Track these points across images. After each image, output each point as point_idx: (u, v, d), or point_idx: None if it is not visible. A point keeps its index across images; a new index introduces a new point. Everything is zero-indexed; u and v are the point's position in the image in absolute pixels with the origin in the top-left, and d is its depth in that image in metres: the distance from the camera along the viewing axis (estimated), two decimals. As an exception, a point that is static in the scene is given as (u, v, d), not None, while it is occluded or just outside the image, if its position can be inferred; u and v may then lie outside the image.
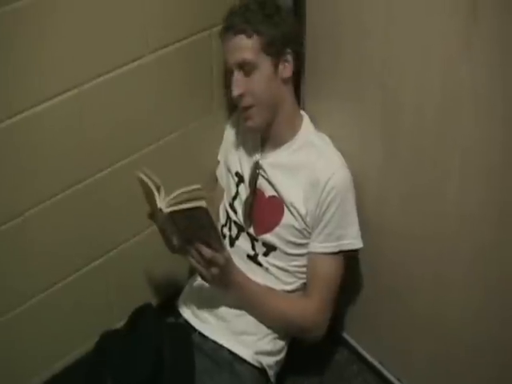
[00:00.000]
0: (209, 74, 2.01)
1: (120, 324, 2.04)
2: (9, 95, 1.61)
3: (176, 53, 1.88)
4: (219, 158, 2.15)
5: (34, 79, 1.63)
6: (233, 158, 2.06)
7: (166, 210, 1.65)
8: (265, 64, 1.83)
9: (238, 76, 1.85)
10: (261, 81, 1.85)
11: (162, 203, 1.66)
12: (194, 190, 1.66)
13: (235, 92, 1.85)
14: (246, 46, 1.82)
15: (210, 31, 1.94)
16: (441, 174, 1.70)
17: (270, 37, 1.82)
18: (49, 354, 1.97)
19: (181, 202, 1.64)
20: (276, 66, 1.86)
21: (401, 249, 1.93)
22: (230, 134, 2.12)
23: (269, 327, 1.95)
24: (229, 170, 2.08)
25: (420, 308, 1.93)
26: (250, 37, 1.81)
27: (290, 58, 1.87)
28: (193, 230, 1.72)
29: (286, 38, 1.85)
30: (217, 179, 2.17)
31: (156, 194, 1.67)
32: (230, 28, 1.84)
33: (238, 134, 2.09)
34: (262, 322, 1.95)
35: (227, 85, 1.99)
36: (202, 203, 1.63)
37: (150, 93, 1.89)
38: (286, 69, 1.87)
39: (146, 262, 2.12)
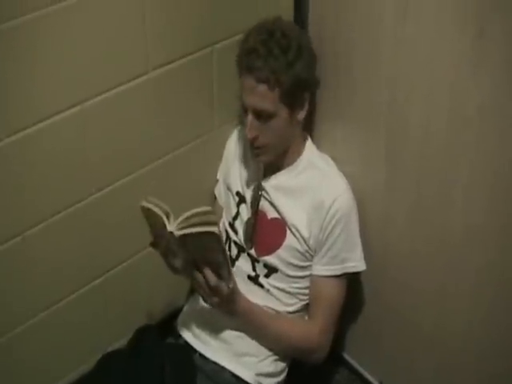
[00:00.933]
0: (210, 91, 2.00)
1: (118, 344, 2.05)
2: (9, 113, 1.58)
3: (177, 70, 1.87)
4: (218, 176, 2.13)
5: (35, 97, 1.61)
6: (234, 178, 2.04)
7: (178, 233, 1.62)
8: (282, 112, 1.79)
9: (253, 120, 1.80)
10: (276, 127, 1.81)
11: (172, 226, 1.63)
12: (204, 212, 1.63)
13: (249, 135, 1.81)
14: (266, 97, 1.76)
15: (211, 48, 1.92)
16: (446, 188, 1.70)
17: (290, 87, 1.76)
18: (48, 374, 1.95)
19: (191, 225, 1.62)
20: (293, 113, 1.83)
21: (405, 266, 1.92)
22: (230, 152, 2.10)
23: (270, 349, 1.93)
24: (229, 189, 2.05)
25: (423, 325, 1.93)
26: (272, 89, 1.75)
27: (306, 102, 1.84)
28: (202, 253, 1.70)
29: (306, 84, 1.82)
30: (215, 197, 2.14)
31: (165, 218, 1.63)
32: (251, 71, 1.76)
33: (239, 153, 2.07)
34: (264, 344, 1.93)
35: (230, 103, 2.00)
36: (215, 229, 1.62)
37: (151, 111, 1.87)
38: (302, 113, 1.85)
39: (145, 282, 2.09)
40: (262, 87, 1.75)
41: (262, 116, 1.78)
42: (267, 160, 1.90)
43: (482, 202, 1.63)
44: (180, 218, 1.63)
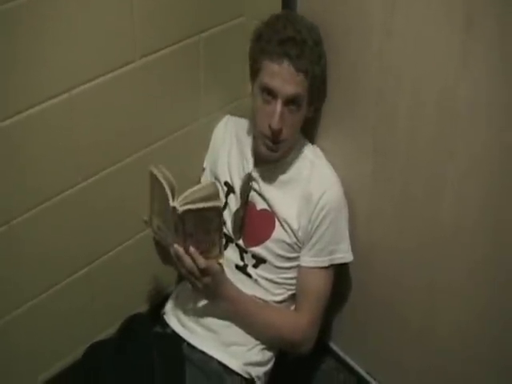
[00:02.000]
0: (197, 80, 1.99)
1: (106, 332, 2.05)
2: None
3: (165, 58, 1.86)
4: (205, 165, 2.12)
5: (23, 84, 1.59)
6: (221, 167, 2.03)
7: (181, 209, 1.61)
8: (304, 103, 1.80)
9: (283, 109, 1.77)
10: (298, 120, 1.82)
11: (176, 202, 1.62)
12: (208, 186, 1.64)
13: (277, 125, 1.77)
14: (303, 84, 1.76)
15: (198, 36, 1.91)
16: (435, 181, 1.70)
17: (318, 81, 1.79)
18: (36, 363, 1.94)
19: (194, 201, 1.61)
20: (308, 108, 1.83)
21: (392, 259, 1.92)
22: (217, 141, 2.09)
23: (257, 338, 1.93)
24: (216, 179, 2.04)
25: (411, 318, 1.93)
26: (307, 78, 1.76)
27: (316, 97, 1.85)
28: (198, 230, 1.69)
29: (325, 80, 1.84)
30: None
31: (169, 192, 1.62)
32: (291, 58, 1.73)
33: (226, 142, 2.05)
34: (251, 333, 1.93)
35: (217, 92, 2.00)
36: (219, 203, 1.62)
37: (138, 99, 1.86)
38: (310, 110, 1.86)
39: (132, 271, 2.08)
40: (301, 76, 1.74)
41: (291, 105, 1.77)
42: (279, 157, 1.88)
43: (472, 195, 1.62)
44: (184, 194, 1.63)
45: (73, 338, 1.98)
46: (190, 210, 1.62)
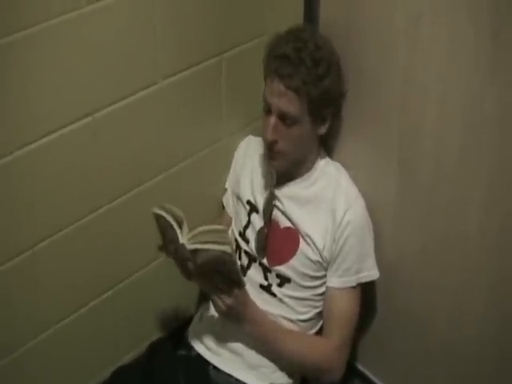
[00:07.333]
0: (219, 100, 1.98)
1: (129, 356, 2.03)
2: (19, 125, 1.56)
3: (187, 80, 1.85)
4: (227, 185, 2.11)
5: (45, 108, 1.59)
6: (244, 187, 2.02)
7: (190, 247, 1.61)
8: (305, 121, 1.78)
9: (276, 122, 1.78)
10: (297, 135, 1.80)
11: (185, 238, 1.62)
12: (219, 230, 1.63)
13: (269, 137, 1.80)
14: (293, 102, 1.75)
15: (220, 57, 1.91)
16: (462, 194, 1.69)
17: (317, 100, 1.76)
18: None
19: (204, 242, 1.61)
20: (315, 125, 1.82)
21: (419, 272, 1.90)
22: (239, 161, 2.08)
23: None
24: (238, 199, 2.03)
25: (439, 332, 1.90)
26: (300, 98, 1.74)
27: (329, 117, 1.84)
28: (212, 266, 1.68)
29: (332, 99, 1.81)
30: (223, 206, 2.13)
31: (177, 228, 1.62)
32: (282, 77, 1.74)
33: (249, 161, 2.05)
34: (277, 360, 1.90)
35: (239, 112, 2.01)
36: (228, 248, 1.60)
37: (161, 121, 1.86)
38: (324, 126, 1.84)
39: (155, 293, 2.07)
40: (291, 94, 1.74)
41: (285, 120, 1.77)
42: (280, 166, 1.88)
43: (498, 205, 1.61)
44: (193, 232, 1.62)
45: (96, 362, 1.96)
46: (197, 249, 1.62)
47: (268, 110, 1.80)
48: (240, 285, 1.74)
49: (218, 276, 1.70)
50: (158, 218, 1.67)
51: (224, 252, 1.61)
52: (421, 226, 1.83)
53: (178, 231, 1.62)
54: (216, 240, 1.60)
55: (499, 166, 1.57)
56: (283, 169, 1.89)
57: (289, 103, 1.75)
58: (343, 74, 1.83)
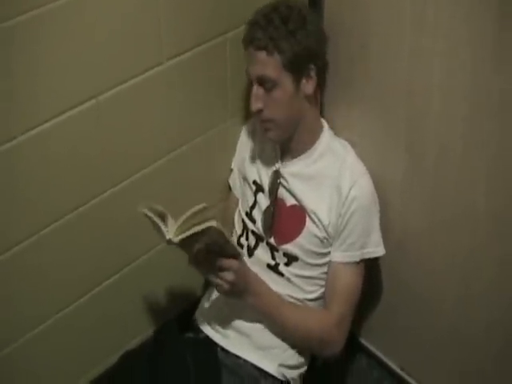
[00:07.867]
0: (224, 80, 1.96)
1: (136, 340, 2.03)
2: (23, 109, 1.54)
3: (191, 60, 1.83)
4: (233, 166, 2.10)
5: (49, 91, 1.57)
6: (250, 167, 2.01)
7: (176, 240, 1.60)
8: (286, 81, 1.76)
9: (257, 90, 1.78)
10: (281, 98, 1.78)
11: (171, 233, 1.60)
12: (199, 210, 1.60)
13: (254, 106, 1.79)
14: (267, 63, 1.74)
15: (224, 36, 1.89)
16: (468, 173, 1.68)
17: (292, 54, 1.74)
18: (67, 374, 1.93)
19: (186, 229, 1.59)
20: (298, 83, 1.79)
21: (426, 251, 1.90)
22: (245, 142, 2.07)
23: (288, 339, 1.91)
24: (245, 179, 2.03)
25: (445, 310, 1.91)
26: (271, 54, 1.73)
27: (313, 73, 1.80)
28: (207, 248, 1.67)
29: (309, 54, 1.78)
30: (230, 188, 2.12)
31: (162, 227, 1.61)
32: (252, 41, 1.76)
33: (254, 142, 2.03)
34: (281, 332, 1.90)
35: (244, 92, 1.96)
36: (212, 223, 1.59)
37: (166, 102, 1.84)
38: (309, 85, 1.81)
39: (160, 277, 2.07)
40: (261, 54, 1.74)
41: (265, 85, 1.77)
42: (277, 136, 1.86)
43: (505, 188, 1.61)
44: (177, 223, 1.60)
45: (104, 347, 1.97)
46: (185, 238, 1.60)
47: (250, 83, 1.81)
48: (237, 256, 1.73)
49: (214, 256, 1.70)
50: (145, 216, 1.66)
51: (208, 228, 1.59)
52: (428, 206, 1.83)
53: (163, 228, 1.61)
54: (198, 221, 1.59)
55: (504, 149, 1.57)
56: (281, 139, 1.88)
57: (263, 66, 1.75)
58: (325, 34, 1.84)
